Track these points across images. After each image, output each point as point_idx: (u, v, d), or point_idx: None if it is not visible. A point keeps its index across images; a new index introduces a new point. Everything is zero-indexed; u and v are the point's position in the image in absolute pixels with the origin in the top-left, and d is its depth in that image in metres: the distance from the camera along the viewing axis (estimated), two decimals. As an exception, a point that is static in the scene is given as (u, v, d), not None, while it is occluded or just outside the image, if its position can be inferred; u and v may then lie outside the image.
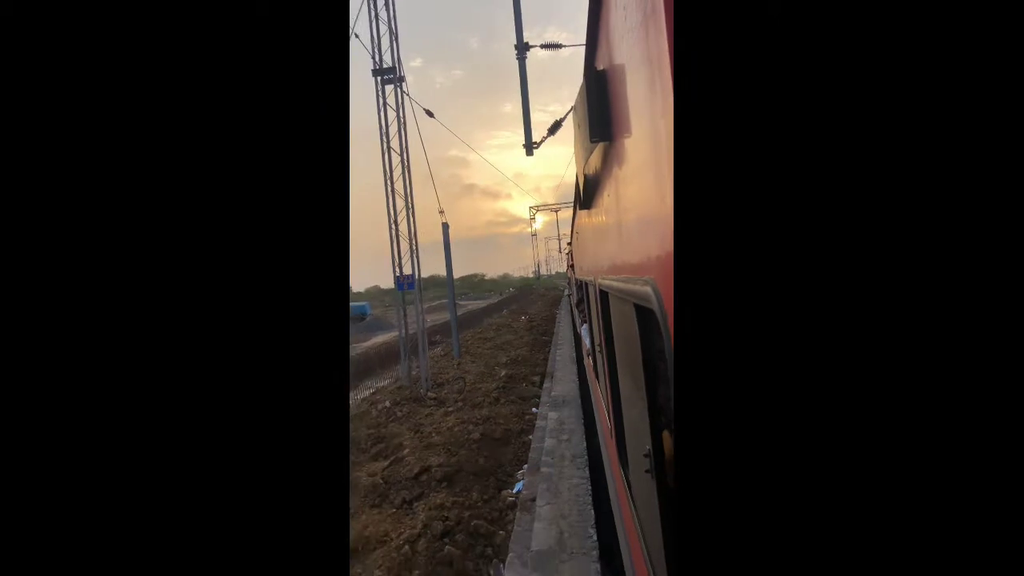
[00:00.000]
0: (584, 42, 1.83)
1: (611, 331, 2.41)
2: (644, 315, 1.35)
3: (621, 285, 1.54)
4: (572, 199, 4.84)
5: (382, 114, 11.08)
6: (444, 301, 52.37)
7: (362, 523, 4.72)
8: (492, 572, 4.09)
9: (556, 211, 51.95)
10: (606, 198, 1.86)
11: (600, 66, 1.59)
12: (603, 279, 2.22)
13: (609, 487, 3.36)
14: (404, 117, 11.18)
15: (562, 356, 12.23)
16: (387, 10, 10.52)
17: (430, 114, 11.99)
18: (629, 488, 2.08)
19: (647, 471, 1.42)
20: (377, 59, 10.75)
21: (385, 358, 18.82)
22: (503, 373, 11.30)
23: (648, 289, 1.08)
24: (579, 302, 8.05)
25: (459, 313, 13.98)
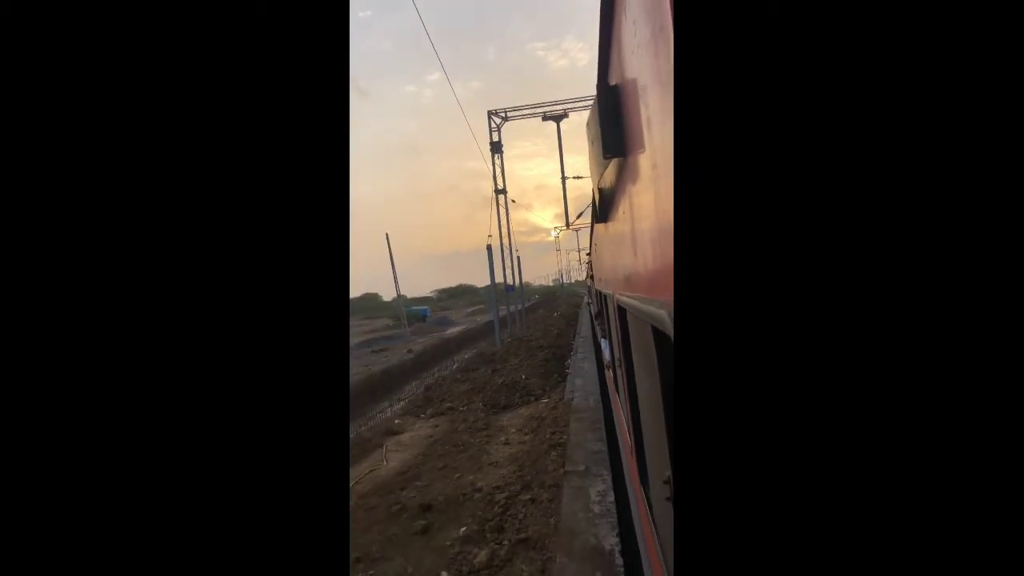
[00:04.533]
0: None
1: (629, 348, 2.45)
2: (661, 338, 1.35)
3: (638, 304, 1.54)
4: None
5: (498, 208, 24.14)
6: (480, 307, 66.27)
7: (539, 349, 17.57)
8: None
9: (576, 231, 64.29)
10: (621, 214, 1.89)
11: (612, 81, 1.62)
12: (621, 295, 2.23)
13: (631, 506, 3.51)
14: (508, 214, 24.32)
15: (584, 327, 24.90)
16: (501, 162, 23.59)
17: (512, 201, 25.05)
18: (651, 511, 2.13)
19: (668, 499, 1.44)
20: (496, 182, 23.78)
21: (468, 339, 31.77)
22: (555, 333, 24.11)
23: (663, 313, 1.07)
24: (598, 313, 8.34)
25: (500, 315, 25.48)
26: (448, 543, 5.28)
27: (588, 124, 1.89)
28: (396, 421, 11.70)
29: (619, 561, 4.28)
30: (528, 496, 6.01)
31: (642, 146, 1.19)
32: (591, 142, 1.88)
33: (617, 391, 4.29)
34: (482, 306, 72.65)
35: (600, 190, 2.34)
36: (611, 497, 5.44)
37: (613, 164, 1.72)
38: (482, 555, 4.83)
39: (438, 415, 11.71)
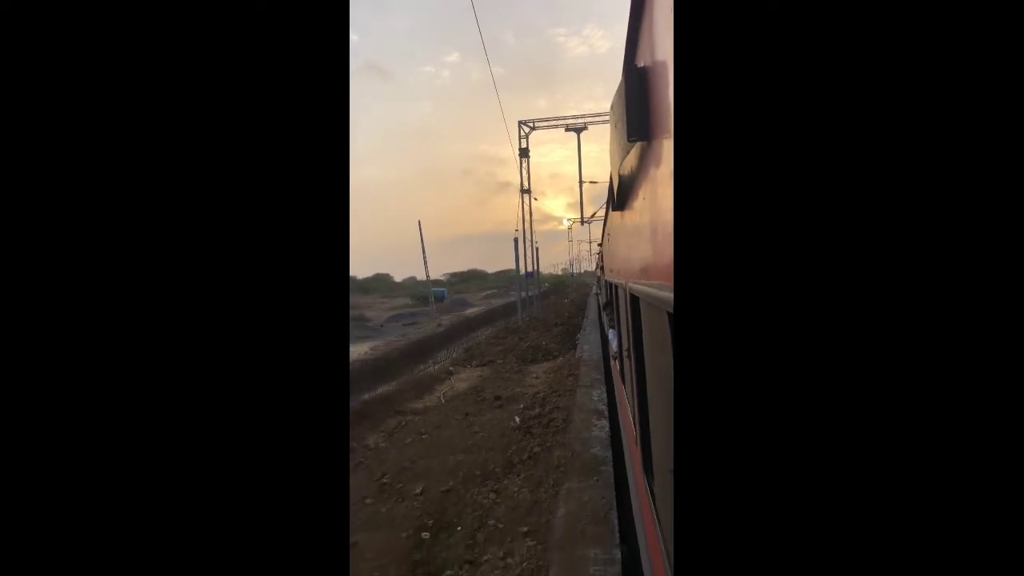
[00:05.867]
0: (624, 41, 1.82)
1: (641, 337, 2.46)
2: None
3: (654, 292, 1.57)
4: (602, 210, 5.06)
5: (523, 206, 28.54)
6: (492, 291, 70.86)
7: (554, 326, 22.15)
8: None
9: (588, 223, 68.52)
10: (641, 200, 1.88)
11: (640, 63, 1.60)
12: (634, 283, 2.23)
13: (632, 497, 3.58)
14: (531, 211, 28.74)
15: (592, 311, 29.38)
16: (528, 165, 27.98)
17: (535, 199, 29.47)
18: (653, 503, 2.17)
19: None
20: (522, 182, 28.16)
21: (488, 318, 36.40)
22: (567, 315, 28.68)
23: None
24: (606, 304, 8.63)
25: (512, 302, 29.73)
26: (515, 409, 9.82)
27: (612, 106, 1.88)
28: (450, 368, 16.23)
29: (606, 414, 8.74)
30: (556, 394, 10.53)
31: (669, 131, 1.17)
32: (614, 125, 1.91)
33: (624, 382, 4.29)
34: (494, 291, 77.13)
35: (620, 176, 2.35)
36: (604, 397, 9.90)
37: (636, 149, 1.73)
38: (534, 412, 9.38)
39: (482, 365, 16.23)
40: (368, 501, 6.29)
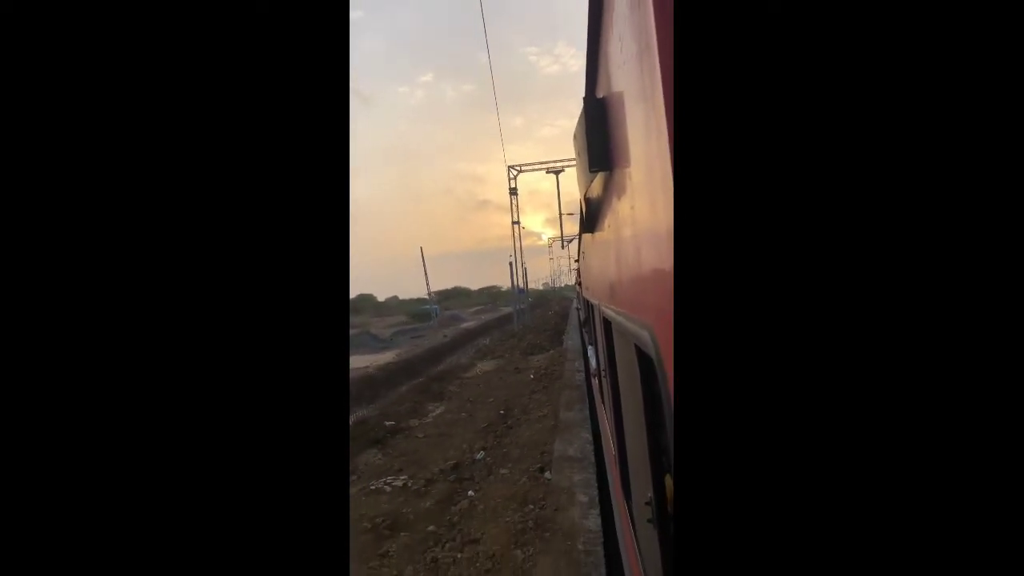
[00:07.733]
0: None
1: (614, 362, 2.53)
2: (644, 357, 1.39)
3: (622, 321, 1.60)
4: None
5: (514, 232, 35.61)
6: (479, 307, 77.49)
7: (544, 331, 29.09)
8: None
9: (568, 242, 75.45)
10: (606, 227, 1.96)
11: (599, 95, 1.67)
12: (606, 307, 2.29)
13: (615, 518, 3.69)
14: (521, 235, 35.90)
15: (572, 319, 36.33)
16: (516, 201, 35.15)
17: (523, 227, 36.49)
18: (633, 528, 2.20)
19: (649, 520, 1.50)
20: (513, 215, 35.25)
21: (484, 330, 43.09)
22: (553, 323, 35.68)
23: (646, 334, 1.09)
24: (585, 321, 8.97)
25: (503, 315, 35.88)
26: (529, 373, 16.65)
27: (575, 136, 1.94)
28: (472, 362, 22.91)
29: (583, 372, 15.58)
30: (553, 366, 17.41)
31: (627, 161, 1.22)
32: (578, 154, 1.97)
33: (603, 401, 4.45)
34: (481, 306, 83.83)
35: (587, 200, 2.44)
36: (582, 368, 16.74)
37: (599, 177, 1.80)
38: (541, 373, 16.25)
39: (496, 358, 22.95)
40: (468, 406, 13.08)
